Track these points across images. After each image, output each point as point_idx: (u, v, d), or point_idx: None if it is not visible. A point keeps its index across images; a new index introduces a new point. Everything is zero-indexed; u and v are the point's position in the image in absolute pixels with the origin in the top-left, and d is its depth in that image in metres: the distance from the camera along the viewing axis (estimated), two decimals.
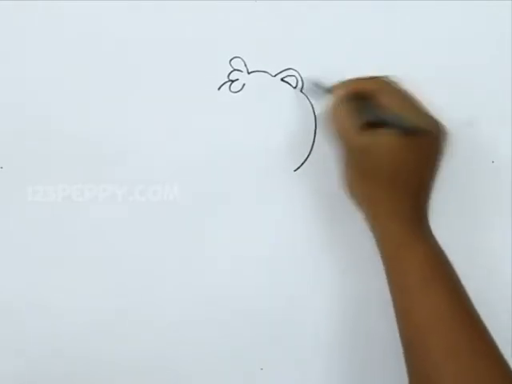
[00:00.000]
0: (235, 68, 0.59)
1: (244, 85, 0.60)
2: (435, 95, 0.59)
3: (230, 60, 0.59)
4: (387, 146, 0.51)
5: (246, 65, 0.59)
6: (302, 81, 0.59)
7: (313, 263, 0.60)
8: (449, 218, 0.60)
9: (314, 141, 0.60)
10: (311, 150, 0.60)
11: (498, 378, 0.50)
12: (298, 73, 0.59)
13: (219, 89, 0.59)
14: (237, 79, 0.59)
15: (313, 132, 0.60)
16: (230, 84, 0.59)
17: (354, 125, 0.52)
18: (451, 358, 0.50)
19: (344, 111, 0.53)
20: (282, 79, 0.59)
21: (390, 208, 0.53)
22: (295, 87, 0.59)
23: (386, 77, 0.55)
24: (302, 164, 0.60)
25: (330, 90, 0.56)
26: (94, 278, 0.60)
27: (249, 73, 0.59)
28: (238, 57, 0.59)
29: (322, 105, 0.58)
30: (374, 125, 0.52)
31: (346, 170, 0.55)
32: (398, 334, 0.52)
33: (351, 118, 0.52)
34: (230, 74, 0.59)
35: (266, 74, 0.59)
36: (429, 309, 0.51)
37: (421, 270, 0.52)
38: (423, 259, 0.52)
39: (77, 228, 0.60)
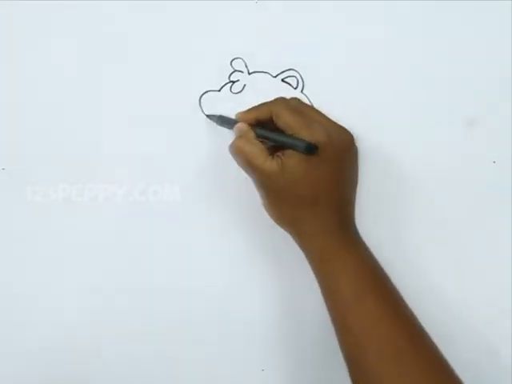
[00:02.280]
0: (236, 69, 0.59)
1: (245, 85, 0.60)
2: (435, 95, 0.60)
3: (231, 61, 0.59)
4: (293, 168, 0.52)
5: (246, 66, 0.59)
6: (303, 81, 0.59)
7: None
8: (449, 217, 0.60)
9: None
10: None
11: (438, 382, 0.50)
12: (299, 73, 0.59)
13: (220, 90, 0.59)
14: (238, 80, 0.60)
15: None
16: (231, 85, 0.60)
17: (259, 153, 0.53)
18: (391, 366, 0.50)
19: (247, 141, 0.54)
20: (282, 80, 0.60)
21: (312, 225, 0.54)
22: (296, 88, 0.60)
23: (280, 98, 0.56)
24: None
25: (226, 120, 0.58)
26: (94, 277, 0.60)
27: (250, 73, 0.60)
28: (239, 58, 0.59)
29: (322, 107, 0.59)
30: (278, 148, 0.54)
31: (262, 197, 0.56)
32: None
33: (255, 147, 0.53)
34: (230, 74, 0.60)
35: (267, 74, 0.60)
36: (364, 318, 0.51)
37: (353, 280, 0.52)
38: (354, 270, 0.53)
39: (77, 228, 0.59)
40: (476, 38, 0.59)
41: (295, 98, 0.57)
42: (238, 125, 0.56)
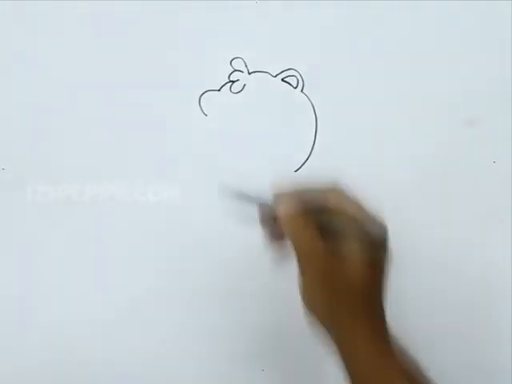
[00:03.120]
0: (236, 68, 0.59)
1: (245, 85, 0.60)
2: (435, 95, 0.60)
3: (231, 61, 0.59)
4: (359, 265, 0.46)
5: (246, 65, 0.59)
6: (303, 81, 0.59)
7: None
8: (449, 217, 0.60)
9: (314, 141, 0.60)
10: (312, 150, 0.60)
11: None
12: (299, 73, 0.59)
13: (220, 89, 0.59)
14: (237, 80, 0.60)
15: (313, 132, 0.60)
16: (231, 85, 0.60)
17: (315, 236, 0.46)
18: None
19: (302, 224, 0.47)
20: (282, 79, 0.60)
21: (359, 326, 0.47)
22: (296, 87, 0.60)
23: (334, 184, 0.49)
24: (303, 164, 0.60)
25: (259, 200, 0.50)
26: (93, 277, 0.60)
27: (249, 73, 0.60)
28: (239, 57, 0.59)
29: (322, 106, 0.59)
30: (327, 234, 0.47)
31: (308, 285, 0.48)
32: None
33: (311, 230, 0.46)
34: (230, 74, 0.60)
35: (267, 74, 0.60)
36: None
37: None
38: (399, 374, 0.47)
39: (77, 228, 0.59)
40: (476, 38, 0.59)
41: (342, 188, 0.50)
42: (291, 209, 0.47)
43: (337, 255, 0.46)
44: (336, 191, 0.49)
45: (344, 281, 0.46)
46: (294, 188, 0.49)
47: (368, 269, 0.46)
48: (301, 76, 0.59)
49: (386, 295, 0.48)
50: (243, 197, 0.50)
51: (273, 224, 0.49)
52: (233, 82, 0.60)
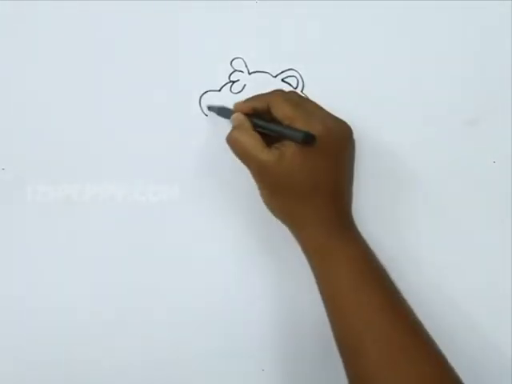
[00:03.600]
0: (236, 69, 0.59)
1: (245, 85, 0.60)
2: (435, 95, 0.60)
3: (231, 61, 0.59)
4: (290, 158, 0.52)
5: (246, 65, 0.59)
6: (303, 81, 0.59)
7: None
8: (449, 217, 0.60)
9: None
10: None
11: (435, 378, 0.50)
12: (299, 73, 0.59)
13: (220, 90, 0.59)
14: (238, 80, 0.60)
15: None
16: (231, 85, 0.60)
17: (256, 143, 0.53)
18: (388, 357, 0.50)
19: (243, 132, 0.54)
20: (282, 80, 0.60)
21: (309, 217, 0.53)
22: (296, 88, 0.60)
23: (277, 90, 0.56)
24: None
25: (224, 110, 0.57)
26: (93, 277, 0.60)
27: (250, 73, 0.60)
28: (239, 57, 0.59)
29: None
30: (275, 139, 0.53)
31: (260, 188, 0.55)
32: None
33: (251, 137, 0.53)
34: (230, 74, 0.60)
35: (267, 74, 0.60)
36: (362, 309, 0.51)
37: (350, 272, 0.52)
38: (351, 262, 0.53)
39: (77, 228, 0.59)
40: (476, 38, 0.59)
41: (293, 91, 0.57)
42: (235, 115, 0.56)
43: (279, 162, 0.52)
44: (274, 96, 0.55)
45: (292, 183, 0.53)
46: (247, 100, 0.57)
47: (305, 169, 0.52)
48: (301, 76, 0.59)
49: (349, 194, 0.55)
50: (224, 112, 0.57)
51: None
52: (233, 82, 0.60)
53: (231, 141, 0.54)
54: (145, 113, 0.59)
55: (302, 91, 0.60)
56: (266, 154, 0.52)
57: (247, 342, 0.60)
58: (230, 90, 0.60)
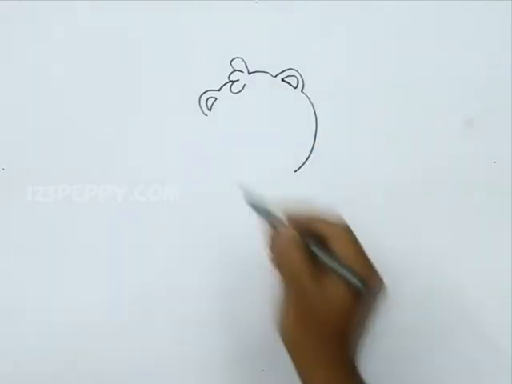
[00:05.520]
0: (236, 68, 0.60)
1: (245, 85, 0.60)
2: (435, 95, 0.60)
3: (231, 60, 0.59)
4: (340, 300, 0.48)
5: (246, 65, 0.59)
6: (303, 81, 0.59)
7: None
8: (449, 217, 0.60)
9: (314, 141, 0.60)
10: (312, 150, 0.60)
11: None
12: (299, 73, 0.59)
13: (220, 89, 0.59)
14: (237, 80, 0.60)
15: (313, 132, 0.60)
16: (231, 84, 0.60)
17: (308, 267, 0.49)
18: None
19: (297, 250, 0.49)
20: (282, 79, 0.60)
21: (325, 359, 0.50)
22: (296, 87, 0.60)
23: (342, 220, 0.51)
24: (303, 165, 0.60)
25: (268, 214, 0.53)
26: (93, 277, 0.60)
27: (249, 73, 0.60)
28: (239, 57, 0.59)
29: (322, 107, 0.59)
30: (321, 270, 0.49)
31: (286, 311, 0.51)
32: None
33: (305, 258, 0.49)
34: (230, 74, 0.60)
35: (267, 74, 0.60)
36: None
37: None
38: None
39: (77, 228, 0.59)
40: (476, 38, 0.59)
41: (349, 227, 0.51)
42: (287, 231, 0.51)
43: (322, 293, 0.48)
44: (339, 229, 0.50)
45: (318, 318, 0.49)
46: (302, 215, 0.51)
47: (343, 314, 0.48)
48: (301, 76, 0.59)
49: (360, 341, 0.51)
50: (257, 208, 0.53)
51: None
52: (233, 81, 0.60)
53: (284, 253, 0.50)
54: (144, 112, 0.59)
55: (302, 91, 0.60)
56: (313, 284, 0.48)
57: (247, 342, 0.60)
58: (230, 89, 0.60)
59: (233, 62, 0.59)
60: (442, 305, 0.60)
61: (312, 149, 0.60)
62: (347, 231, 0.51)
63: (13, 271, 0.59)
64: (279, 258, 0.50)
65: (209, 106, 0.60)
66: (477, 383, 0.60)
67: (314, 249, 0.50)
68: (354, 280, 0.48)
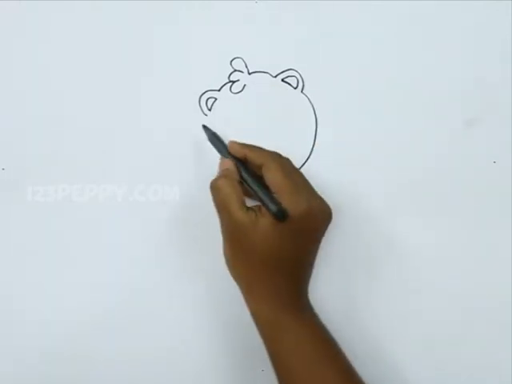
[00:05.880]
0: (236, 69, 0.60)
1: (245, 85, 0.60)
2: (435, 95, 0.60)
3: (231, 61, 0.59)
4: (262, 228, 0.51)
5: (246, 65, 0.59)
6: (303, 81, 0.59)
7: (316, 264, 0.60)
8: (449, 217, 0.60)
9: (314, 142, 0.60)
10: (311, 150, 0.60)
11: None
12: (299, 73, 0.59)
13: (220, 89, 0.59)
14: (237, 80, 0.60)
15: (313, 133, 0.60)
16: (231, 85, 0.60)
17: (236, 199, 0.52)
18: None
19: (228, 183, 0.53)
20: (282, 80, 0.60)
21: (264, 290, 0.53)
22: (296, 88, 0.60)
23: (275, 153, 0.55)
24: (303, 165, 0.60)
25: (223, 150, 0.56)
26: (93, 277, 0.60)
27: (249, 73, 0.60)
28: (239, 57, 0.59)
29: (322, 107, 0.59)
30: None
31: (225, 244, 0.54)
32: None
33: (234, 191, 0.52)
34: (230, 74, 0.60)
35: (267, 74, 0.60)
36: None
37: (302, 351, 0.52)
38: (303, 340, 0.52)
39: (77, 228, 0.59)
40: (476, 38, 0.59)
41: (287, 159, 0.55)
42: (226, 162, 0.55)
43: (250, 222, 0.51)
44: (270, 158, 0.53)
45: (257, 252, 0.51)
46: (243, 146, 0.55)
47: (268, 241, 0.51)
48: (301, 76, 0.60)
49: (308, 272, 0.54)
50: (214, 143, 0.57)
51: None
52: (233, 82, 0.60)
53: (214, 188, 0.53)
54: (145, 112, 0.59)
55: (302, 91, 0.60)
56: (241, 214, 0.51)
57: (247, 342, 0.60)
58: (230, 89, 0.60)
59: (233, 62, 0.59)
60: (441, 305, 0.60)
61: (312, 149, 0.60)
62: (278, 160, 0.54)
63: (13, 271, 0.59)
64: (214, 196, 0.53)
65: (209, 106, 0.60)
66: (477, 383, 0.60)
67: (244, 175, 0.53)
68: (272, 206, 0.51)
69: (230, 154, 0.56)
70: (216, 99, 0.60)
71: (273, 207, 0.51)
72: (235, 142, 0.56)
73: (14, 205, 0.59)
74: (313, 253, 0.54)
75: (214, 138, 0.57)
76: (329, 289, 0.60)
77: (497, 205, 0.60)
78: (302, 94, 0.60)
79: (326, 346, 0.53)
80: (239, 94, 0.60)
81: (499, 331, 0.60)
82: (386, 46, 0.59)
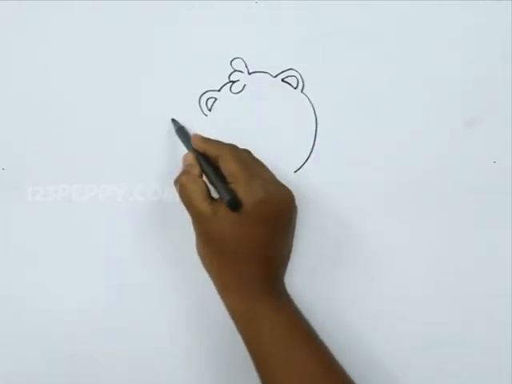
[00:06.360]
0: (236, 69, 0.60)
1: (245, 86, 0.60)
2: (435, 95, 0.60)
3: (231, 61, 0.59)
4: (220, 218, 0.52)
5: (246, 65, 0.59)
6: (303, 81, 0.59)
7: (318, 265, 0.60)
8: (449, 217, 0.60)
9: (314, 142, 0.60)
10: (311, 151, 0.60)
11: None
12: (299, 73, 0.59)
13: (220, 89, 0.59)
14: (237, 80, 0.60)
15: (313, 133, 0.60)
16: (231, 85, 0.60)
17: (199, 193, 0.53)
18: None
19: (190, 179, 0.54)
20: (282, 80, 0.60)
21: (233, 280, 0.53)
22: (296, 88, 0.60)
23: (231, 144, 0.56)
24: (302, 165, 0.60)
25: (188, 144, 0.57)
26: (93, 277, 0.60)
27: (249, 73, 0.60)
28: (239, 57, 0.59)
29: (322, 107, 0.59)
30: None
31: (196, 239, 0.55)
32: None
33: (196, 186, 0.53)
34: (230, 74, 0.60)
35: (267, 74, 0.60)
36: (294, 378, 0.51)
37: (278, 336, 0.52)
38: (279, 326, 0.52)
39: (77, 228, 0.59)
40: (476, 38, 0.59)
41: (247, 150, 0.56)
42: (187, 156, 0.56)
43: (212, 213, 0.52)
44: (225, 150, 0.54)
45: (221, 243, 0.52)
46: (204, 139, 0.56)
47: (227, 231, 0.52)
48: (301, 76, 0.60)
49: (282, 260, 0.54)
50: (180, 136, 0.58)
51: None
52: (233, 82, 0.60)
53: (178, 185, 0.54)
54: (144, 112, 0.59)
55: (302, 91, 0.60)
56: (204, 206, 0.52)
57: None
58: (230, 89, 0.60)
59: (233, 63, 0.59)
60: (441, 305, 0.60)
61: (312, 149, 0.60)
62: (234, 151, 0.55)
63: (13, 271, 0.59)
64: (180, 193, 0.54)
65: (209, 107, 0.60)
66: (477, 383, 0.60)
67: (204, 168, 0.55)
68: (225, 196, 0.52)
69: (193, 148, 0.57)
70: (216, 99, 0.60)
71: (226, 197, 0.52)
72: (197, 136, 0.57)
73: (14, 205, 0.59)
74: (277, 241, 0.54)
75: (181, 132, 0.58)
76: (329, 289, 0.60)
77: (497, 205, 0.60)
78: (302, 94, 0.60)
79: (303, 331, 0.53)
80: (239, 94, 0.60)
81: (499, 331, 0.60)
82: (386, 45, 0.59)
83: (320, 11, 0.59)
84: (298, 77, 0.60)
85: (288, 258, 0.56)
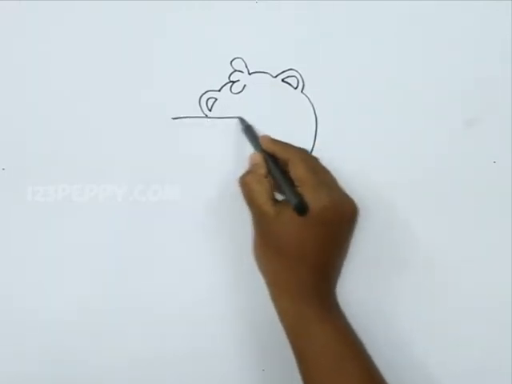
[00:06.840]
0: (236, 69, 0.60)
1: (245, 86, 0.60)
2: (435, 95, 0.60)
3: (231, 61, 0.59)
4: (286, 220, 0.52)
5: (246, 66, 0.59)
6: (303, 81, 0.59)
7: None
8: (449, 217, 0.60)
9: (314, 142, 0.60)
10: (312, 150, 0.60)
11: None
12: (299, 73, 0.59)
13: (220, 90, 0.59)
14: (238, 80, 0.60)
15: (313, 133, 0.60)
16: (231, 85, 0.60)
17: (264, 192, 0.54)
18: None
19: (256, 179, 0.55)
20: (282, 80, 0.60)
21: (290, 284, 0.53)
22: (296, 88, 0.60)
23: (302, 149, 0.57)
24: None
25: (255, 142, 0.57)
26: (93, 277, 0.60)
27: (250, 74, 0.60)
28: (239, 58, 0.59)
29: (322, 107, 0.59)
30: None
31: (254, 237, 0.55)
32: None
33: (261, 186, 0.54)
34: (230, 74, 0.60)
35: (267, 74, 0.60)
36: None
37: (329, 349, 0.52)
38: (329, 339, 0.52)
39: (77, 228, 0.59)
40: (476, 38, 0.59)
41: (315, 157, 0.57)
42: (255, 156, 0.56)
43: (277, 216, 0.52)
44: (295, 153, 0.55)
45: (281, 245, 0.52)
46: (273, 141, 0.57)
47: (292, 236, 0.52)
48: (301, 76, 0.59)
49: (337, 269, 0.54)
50: (248, 135, 0.58)
51: None
52: (233, 82, 0.60)
53: (243, 184, 0.55)
54: (145, 112, 0.59)
55: (302, 91, 0.60)
56: (267, 207, 0.53)
57: (247, 342, 0.60)
58: (230, 90, 0.60)
59: (233, 63, 0.59)
60: (441, 305, 0.60)
61: (312, 149, 0.60)
62: (304, 156, 0.55)
63: (13, 271, 0.59)
64: (244, 191, 0.55)
65: (209, 107, 0.60)
66: (477, 383, 0.60)
67: (272, 169, 0.55)
68: (293, 199, 0.52)
69: (261, 148, 0.57)
70: (216, 99, 0.60)
71: (293, 200, 0.52)
72: (267, 137, 0.57)
73: (14, 205, 0.59)
74: (336, 250, 0.54)
75: (247, 131, 0.58)
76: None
77: (497, 205, 0.60)
78: (302, 94, 0.60)
79: (354, 345, 0.53)
80: (239, 94, 0.60)
81: (499, 331, 0.60)
82: (386, 45, 0.59)
83: (320, 11, 0.59)
84: (298, 77, 0.60)
85: (340, 268, 0.56)
